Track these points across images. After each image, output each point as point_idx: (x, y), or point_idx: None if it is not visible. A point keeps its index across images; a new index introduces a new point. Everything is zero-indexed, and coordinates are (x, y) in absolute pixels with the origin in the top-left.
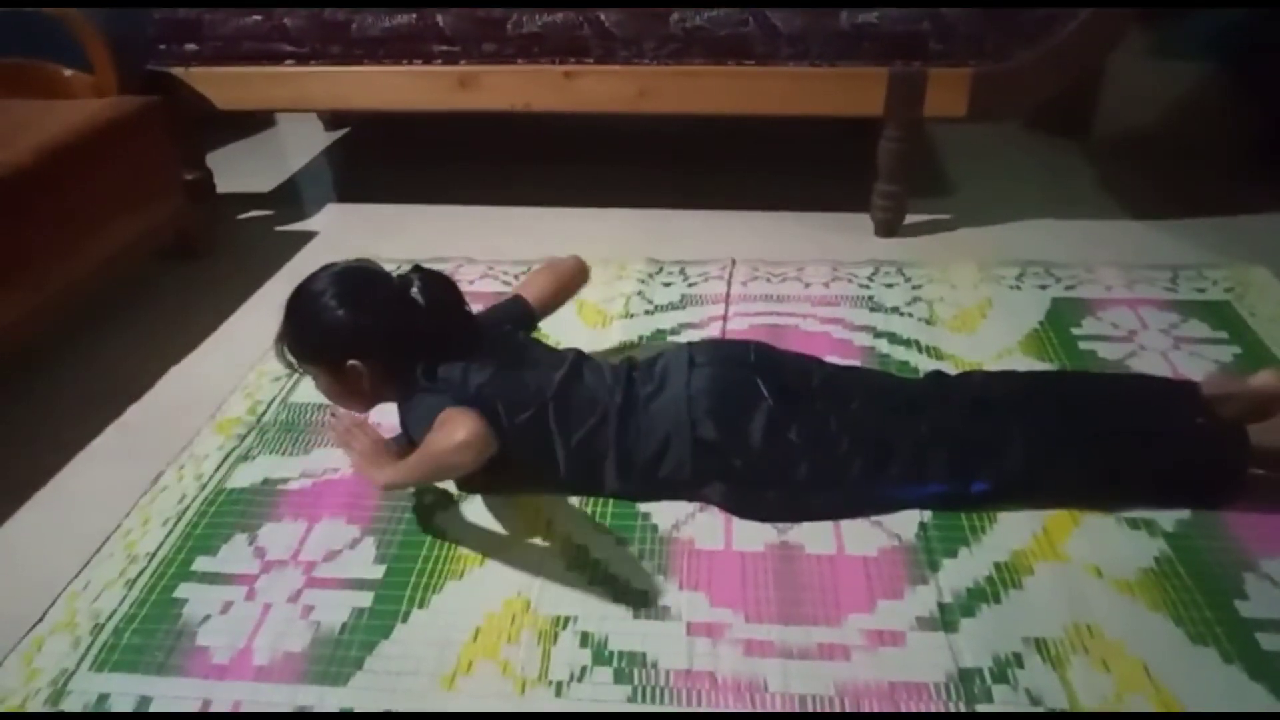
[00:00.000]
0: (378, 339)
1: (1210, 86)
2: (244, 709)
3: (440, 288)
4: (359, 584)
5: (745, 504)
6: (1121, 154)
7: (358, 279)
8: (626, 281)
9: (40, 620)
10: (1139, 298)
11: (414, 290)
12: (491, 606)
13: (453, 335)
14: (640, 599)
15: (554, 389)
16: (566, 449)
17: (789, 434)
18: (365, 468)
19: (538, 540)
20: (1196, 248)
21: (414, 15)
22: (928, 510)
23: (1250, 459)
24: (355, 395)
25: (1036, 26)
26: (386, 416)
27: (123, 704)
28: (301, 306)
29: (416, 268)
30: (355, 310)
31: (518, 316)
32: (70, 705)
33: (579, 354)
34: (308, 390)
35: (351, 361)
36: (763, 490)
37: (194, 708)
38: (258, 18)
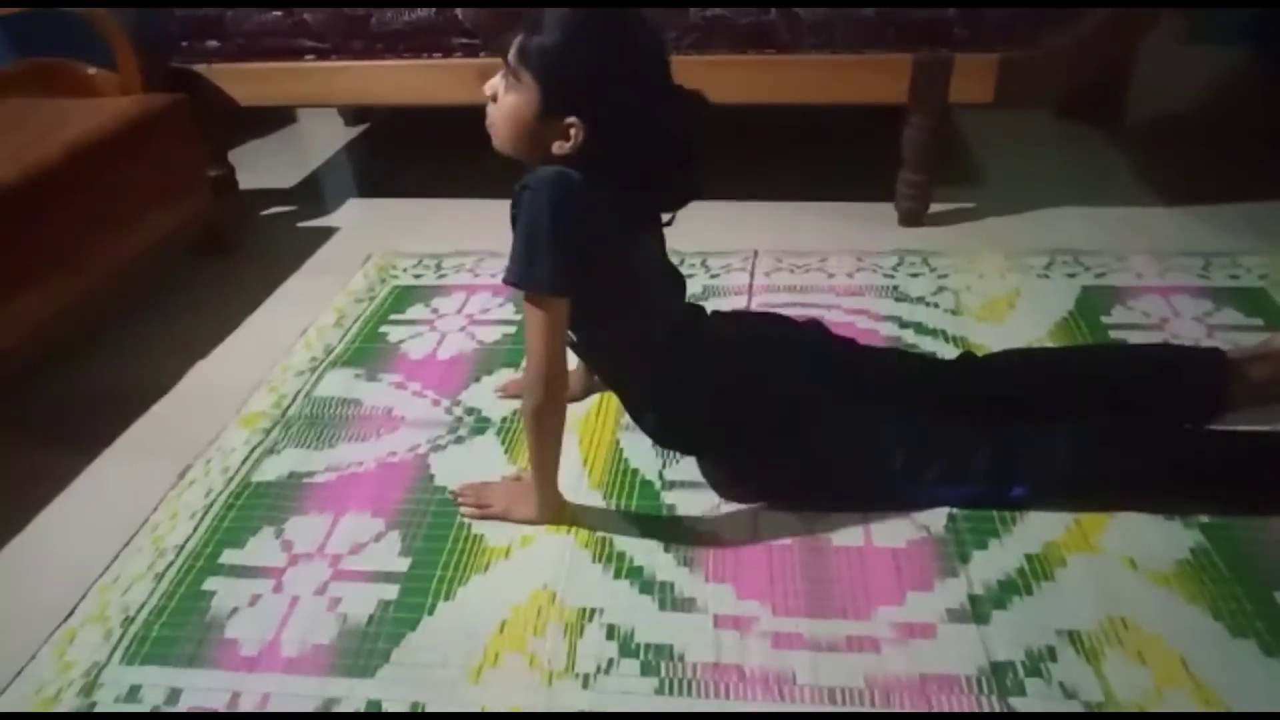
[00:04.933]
0: (619, 133)
1: (1244, 72)
2: (273, 700)
3: (695, 127)
4: (385, 577)
5: (775, 488)
6: (1153, 141)
7: (662, 68)
8: None
9: (72, 613)
10: (1170, 285)
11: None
12: (517, 599)
13: (667, 175)
14: (666, 591)
15: (673, 319)
16: (654, 363)
17: (829, 424)
18: (518, 515)
19: (562, 533)
20: (1230, 235)
21: (433, 9)
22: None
23: None
24: (524, 136)
25: (1065, 12)
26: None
27: (153, 696)
28: (597, 38)
29: (697, 94)
30: (635, 95)
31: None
32: (102, 697)
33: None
34: (332, 384)
35: (572, 119)
36: (795, 477)
37: (224, 700)
38: (279, 14)
